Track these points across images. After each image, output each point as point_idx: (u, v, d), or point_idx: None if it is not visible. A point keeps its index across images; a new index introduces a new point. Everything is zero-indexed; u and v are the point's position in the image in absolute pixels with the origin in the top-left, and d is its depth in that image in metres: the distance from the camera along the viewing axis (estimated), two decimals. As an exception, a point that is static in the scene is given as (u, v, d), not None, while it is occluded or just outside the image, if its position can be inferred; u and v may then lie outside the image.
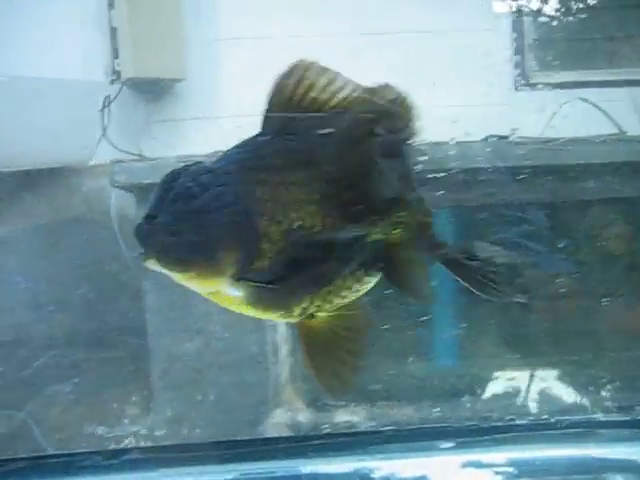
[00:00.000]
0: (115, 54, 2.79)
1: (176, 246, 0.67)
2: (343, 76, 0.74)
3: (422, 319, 1.69)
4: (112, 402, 1.75)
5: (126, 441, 1.75)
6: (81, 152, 2.25)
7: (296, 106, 0.73)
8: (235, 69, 2.70)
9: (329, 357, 0.73)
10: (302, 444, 1.22)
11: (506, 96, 1.77)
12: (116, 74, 2.71)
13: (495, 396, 1.64)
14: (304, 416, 1.76)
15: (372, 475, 1.18)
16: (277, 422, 1.77)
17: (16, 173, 1.93)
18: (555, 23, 1.64)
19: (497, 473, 1.13)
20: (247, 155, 0.73)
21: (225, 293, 0.70)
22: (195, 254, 0.68)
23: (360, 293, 0.74)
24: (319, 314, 0.72)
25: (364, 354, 0.73)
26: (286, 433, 1.72)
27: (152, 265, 0.68)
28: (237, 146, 0.74)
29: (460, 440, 1.18)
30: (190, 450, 1.25)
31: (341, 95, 0.74)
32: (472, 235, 1.75)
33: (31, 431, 1.51)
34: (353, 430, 1.29)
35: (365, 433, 1.19)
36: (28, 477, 1.19)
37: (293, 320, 0.72)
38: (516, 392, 1.62)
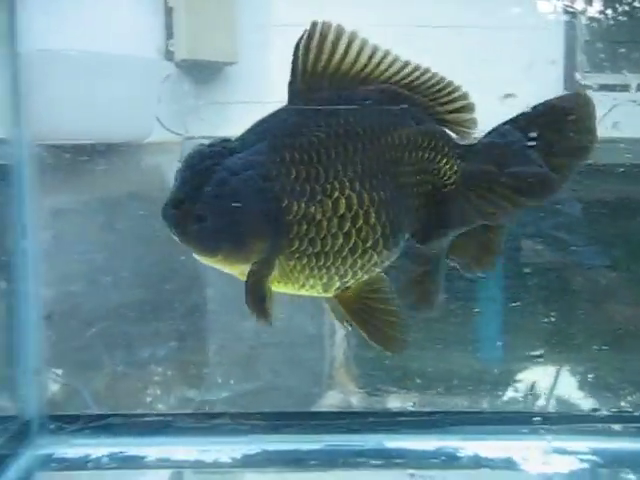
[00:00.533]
0: (169, 35, 2.82)
1: (204, 233, 0.67)
2: (362, 37, 0.74)
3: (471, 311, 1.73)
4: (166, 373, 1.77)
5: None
6: (139, 129, 2.27)
7: (321, 71, 0.72)
8: (284, 55, 2.73)
9: (371, 318, 0.76)
10: (389, 419, 1.25)
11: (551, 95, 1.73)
12: (169, 54, 2.74)
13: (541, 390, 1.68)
14: (356, 399, 1.79)
15: (457, 454, 1.22)
16: (330, 403, 1.80)
17: (76, 146, 1.95)
18: (608, 23, 1.66)
19: (582, 461, 1.18)
20: (275, 132, 0.71)
21: None
22: (223, 241, 0.67)
23: (382, 266, 0.76)
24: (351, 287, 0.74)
25: (400, 312, 0.76)
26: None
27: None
28: (263, 120, 0.72)
29: (544, 427, 1.22)
30: (276, 418, 1.28)
31: (367, 60, 0.73)
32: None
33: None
34: (439, 409, 1.32)
35: (450, 413, 1.22)
36: (125, 434, 1.22)
37: (329, 295, 0.74)
38: (563, 388, 1.65)
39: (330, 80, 0.72)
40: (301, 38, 0.71)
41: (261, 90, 2.80)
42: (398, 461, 1.19)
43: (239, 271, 0.70)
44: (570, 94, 0.79)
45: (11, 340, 1.16)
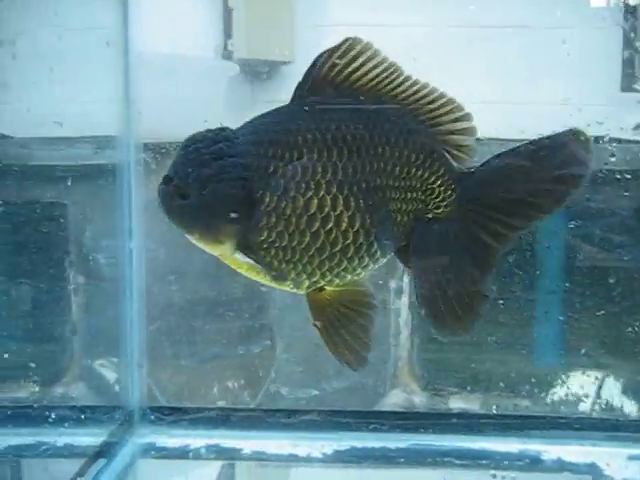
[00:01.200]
0: (227, 35, 2.87)
1: (184, 210, 0.71)
2: (388, 60, 0.76)
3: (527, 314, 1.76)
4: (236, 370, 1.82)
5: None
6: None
7: (331, 79, 0.75)
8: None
9: (340, 329, 0.77)
10: (473, 421, 1.30)
11: (611, 97, 1.69)
12: (226, 54, 2.79)
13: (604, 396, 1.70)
14: (419, 399, 1.84)
15: (541, 457, 1.27)
16: (393, 402, 1.85)
17: (160, 144, 2.00)
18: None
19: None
20: (267, 127, 0.74)
21: (233, 257, 0.74)
22: (199, 220, 0.72)
23: (370, 271, 0.77)
24: (328, 288, 0.76)
25: (371, 330, 0.78)
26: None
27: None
28: (263, 115, 0.76)
29: (625, 434, 1.26)
30: (364, 417, 1.33)
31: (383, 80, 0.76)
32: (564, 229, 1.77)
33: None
34: (521, 413, 1.37)
35: (532, 417, 1.27)
36: (219, 426, 1.28)
37: (301, 292, 0.76)
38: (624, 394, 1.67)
39: (336, 88, 0.75)
40: (327, 50, 0.75)
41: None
42: (482, 462, 1.24)
43: (219, 252, 0.74)
44: (567, 130, 0.79)
45: (118, 335, 1.22)
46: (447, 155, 0.78)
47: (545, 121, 1.61)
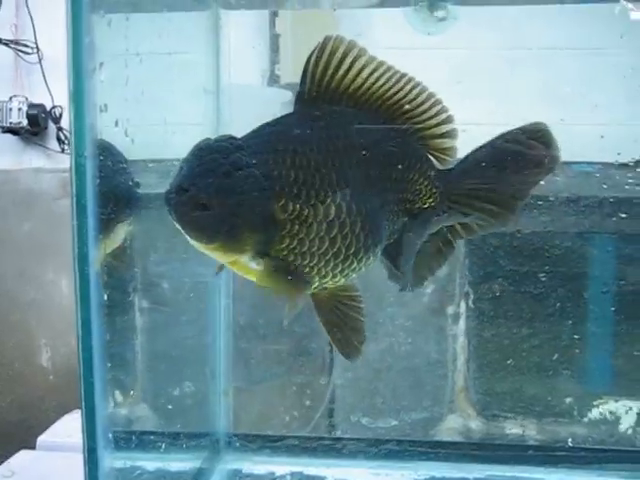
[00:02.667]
0: (274, 60, 2.94)
1: (204, 220, 0.71)
2: (369, 54, 0.80)
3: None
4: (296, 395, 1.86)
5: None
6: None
7: (327, 84, 0.78)
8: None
9: (339, 322, 0.84)
10: (548, 453, 1.34)
11: None
12: (273, 79, 2.85)
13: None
14: (475, 424, 1.88)
15: (617, 490, 1.30)
16: (450, 427, 1.89)
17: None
18: None
19: None
20: (279, 136, 0.77)
21: (244, 264, 0.76)
22: (220, 231, 0.72)
23: (359, 273, 0.83)
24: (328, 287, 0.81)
25: (362, 322, 0.85)
26: (458, 438, 1.84)
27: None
28: (269, 124, 0.79)
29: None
30: (440, 447, 1.38)
31: (374, 77, 0.80)
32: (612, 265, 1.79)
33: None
34: (597, 446, 1.40)
35: (609, 451, 1.30)
36: (302, 454, 1.32)
37: (307, 292, 0.80)
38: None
39: (334, 93, 0.79)
40: (313, 51, 0.78)
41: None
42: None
43: (232, 261, 0.76)
44: (532, 123, 0.89)
45: (204, 362, 1.26)
46: (430, 157, 0.86)
47: (594, 143, 1.65)
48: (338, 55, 0.79)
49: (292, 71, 2.77)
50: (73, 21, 0.77)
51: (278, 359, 1.75)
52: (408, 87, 0.83)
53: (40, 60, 2.13)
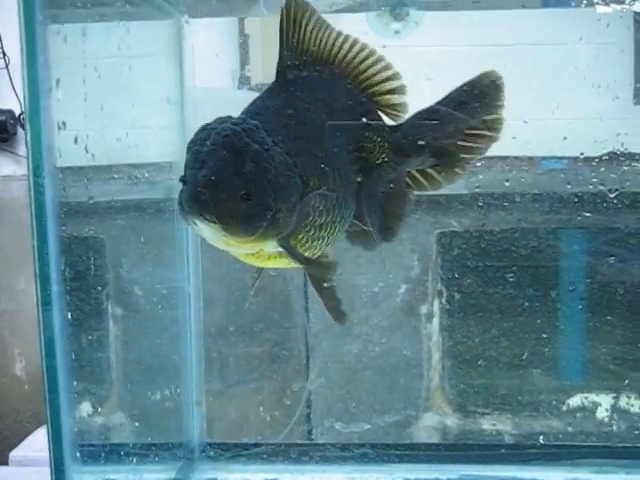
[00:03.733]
0: (244, 61, 2.92)
1: (248, 212, 0.66)
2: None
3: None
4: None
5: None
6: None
7: (300, 51, 0.78)
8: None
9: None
10: (521, 452, 1.36)
11: (623, 111, 1.70)
12: (243, 80, 2.84)
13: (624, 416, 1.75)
14: (452, 421, 1.89)
15: (589, 486, 1.32)
16: (426, 425, 1.91)
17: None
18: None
19: None
20: (279, 113, 0.74)
21: (268, 252, 0.73)
22: (265, 219, 0.67)
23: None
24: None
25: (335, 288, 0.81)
26: (435, 436, 1.86)
27: (204, 230, 0.66)
28: (261, 97, 0.78)
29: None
30: (414, 449, 1.39)
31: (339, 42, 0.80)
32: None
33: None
34: (569, 443, 1.42)
35: (578, 447, 1.32)
36: (276, 461, 1.33)
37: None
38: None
39: (306, 59, 0.79)
40: (282, 19, 0.77)
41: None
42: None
43: (259, 248, 0.72)
44: (483, 72, 0.91)
45: (176, 372, 1.26)
46: (380, 113, 0.86)
47: (561, 137, 1.66)
48: (304, 22, 0.79)
49: (262, 72, 2.76)
50: (27, 40, 0.76)
51: (252, 362, 1.74)
52: (356, 48, 0.84)
53: (7, 65, 2.12)
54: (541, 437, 1.44)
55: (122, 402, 1.21)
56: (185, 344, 1.30)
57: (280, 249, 0.73)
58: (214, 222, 0.65)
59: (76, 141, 0.89)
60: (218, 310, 1.82)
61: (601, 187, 1.49)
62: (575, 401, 1.87)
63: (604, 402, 1.78)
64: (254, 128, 0.68)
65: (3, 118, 2.08)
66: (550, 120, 1.63)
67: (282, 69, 0.80)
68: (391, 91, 0.86)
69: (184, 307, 1.30)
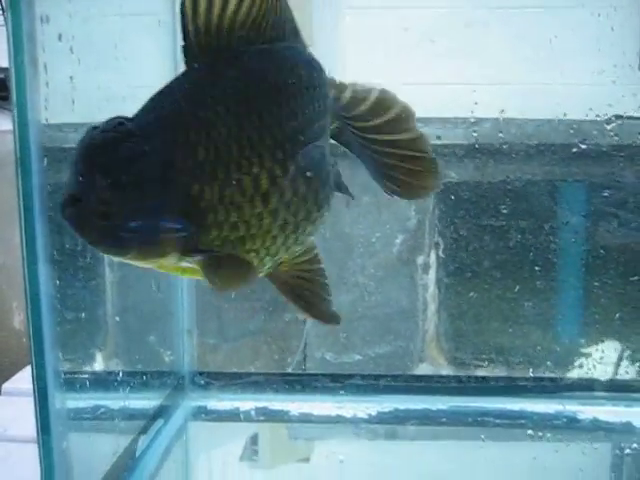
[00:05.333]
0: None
1: (110, 231, 0.57)
2: None
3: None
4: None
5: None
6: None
7: (209, 28, 0.61)
8: (357, 36, 2.80)
9: (306, 292, 0.70)
10: (511, 384, 1.36)
11: (627, 75, 1.67)
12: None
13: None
14: (446, 372, 1.89)
15: (577, 417, 1.32)
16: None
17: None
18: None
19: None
20: (172, 108, 0.60)
21: (172, 266, 0.63)
22: (133, 240, 0.58)
23: (319, 230, 0.69)
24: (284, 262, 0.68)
25: (327, 285, 0.72)
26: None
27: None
28: (160, 92, 0.62)
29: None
30: (404, 380, 1.39)
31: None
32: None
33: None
34: (557, 376, 1.42)
35: (568, 380, 1.32)
36: (267, 390, 1.33)
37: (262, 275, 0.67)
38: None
39: (218, 37, 0.62)
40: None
41: (335, 71, 2.89)
42: (520, 421, 1.30)
43: (156, 265, 0.63)
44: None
45: (167, 302, 1.26)
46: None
47: (569, 101, 1.65)
48: None
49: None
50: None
51: (245, 314, 1.74)
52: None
53: (7, 22, 2.08)
54: (530, 370, 1.43)
55: (117, 345, 1.21)
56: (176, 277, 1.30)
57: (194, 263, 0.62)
58: (82, 239, 0.59)
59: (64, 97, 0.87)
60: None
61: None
62: (571, 354, 1.87)
63: (599, 354, 1.77)
64: (123, 136, 0.57)
65: (2, 76, 2.07)
66: (556, 85, 1.62)
67: (190, 48, 0.63)
68: None
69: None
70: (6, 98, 2.17)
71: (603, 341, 1.77)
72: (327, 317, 0.72)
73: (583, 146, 1.64)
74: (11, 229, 2.31)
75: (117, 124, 0.58)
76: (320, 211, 0.68)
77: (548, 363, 1.83)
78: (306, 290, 0.71)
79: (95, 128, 0.59)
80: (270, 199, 0.62)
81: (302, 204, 0.64)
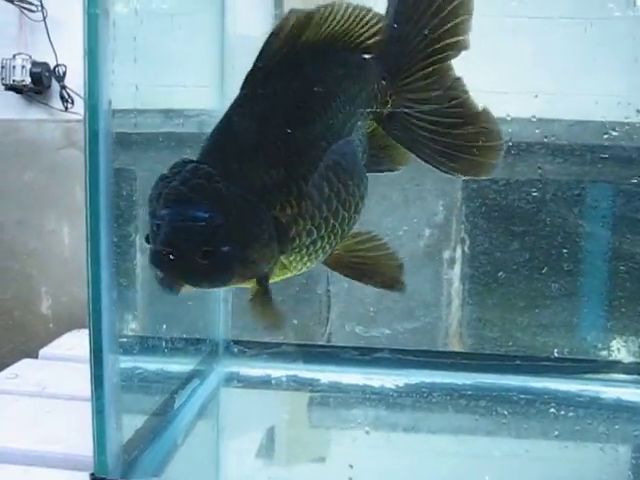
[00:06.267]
0: (280, 13, 2.97)
1: (215, 267, 0.62)
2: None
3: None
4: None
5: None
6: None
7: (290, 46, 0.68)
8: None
9: (366, 268, 0.78)
10: (535, 363, 1.39)
11: None
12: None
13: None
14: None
15: (601, 396, 1.34)
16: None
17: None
18: None
19: None
20: (239, 139, 0.67)
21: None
22: (234, 269, 0.64)
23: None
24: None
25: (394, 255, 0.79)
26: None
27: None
28: (220, 127, 0.69)
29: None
30: (431, 356, 1.41)
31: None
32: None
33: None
34: (581, 357, 1.44)
35: (591, 361, 1.35)
36: (297, 360, 1.36)
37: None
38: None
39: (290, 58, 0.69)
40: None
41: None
42: (543, 397, 1.32)
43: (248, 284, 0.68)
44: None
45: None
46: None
47: (590, 112, 1.68)
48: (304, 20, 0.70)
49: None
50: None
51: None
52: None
53: (44, 18, 2.15)
54: (555, 350, 1.46)
55: (150, 301, 1.25)
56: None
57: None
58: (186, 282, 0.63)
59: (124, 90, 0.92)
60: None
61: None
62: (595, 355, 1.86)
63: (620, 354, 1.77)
64: (206, 178, 0.62)
65: (38, 70, 2.11)
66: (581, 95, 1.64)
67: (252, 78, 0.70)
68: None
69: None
70: (40, 92, 2.22)
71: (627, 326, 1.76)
72: (391, 284, 0.80)
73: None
74: (43, 216, 2.36)
75: (194, 169, 0.63)
76: (363, 201, 0.76)
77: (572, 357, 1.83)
78: (363, 265, 0.77)
79: (167, 177, 0.64)
80: (332, 202, 0.70)
81: (352, 199, 0.72)
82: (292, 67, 0.69)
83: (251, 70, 0.69)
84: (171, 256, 0.60)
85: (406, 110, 0.79)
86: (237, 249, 0.62)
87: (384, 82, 0.78)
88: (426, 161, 0.81)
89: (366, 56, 0.78)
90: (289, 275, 0.72)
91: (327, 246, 0.72)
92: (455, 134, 0.80)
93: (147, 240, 0.63)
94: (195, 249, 0.60)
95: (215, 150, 0.67)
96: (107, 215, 0.86)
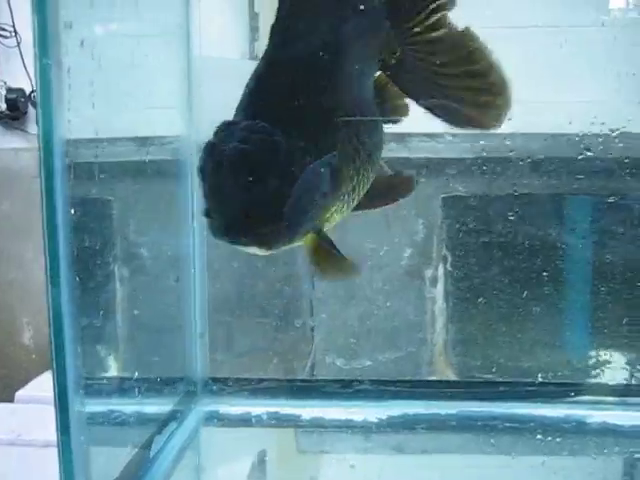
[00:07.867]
0: (253, 37, 2.97)
1: (286, 228, 0.63)
2: None
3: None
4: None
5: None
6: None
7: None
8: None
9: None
10: (519, 389, 1.37)
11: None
12: (252, 56, 2.89)
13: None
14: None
15: (587, 420, 1.33)
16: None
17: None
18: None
19: None
20: (277, 100, 0.66)
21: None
22: (303, 226, 0.65)
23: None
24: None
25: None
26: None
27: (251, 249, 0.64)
28: (254, 88, 0.68)
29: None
30: (414, 386, 1.40)
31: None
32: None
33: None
34: (566, 381, 1.43)
35: (577, 385, 1.33)
36: (279, 396, 1.34)
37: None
38: None
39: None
40: None
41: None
42: (529, 425, 1.30)
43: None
44: None
45: (179, 308, 1.28)
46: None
47: (570, 119, 1.67)
48: None
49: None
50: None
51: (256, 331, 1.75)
52: None
53: (18, 44, 2.13)
54: (539, 375, 1.45)
55: (126, 338, 1.23)
56: (189, 279, 1.32)
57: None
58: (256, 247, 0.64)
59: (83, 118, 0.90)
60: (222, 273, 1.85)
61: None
62: (579, 368, 1.86)
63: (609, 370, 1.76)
64: (267, 133, 0.62)
65: (14, 96, 2.11)
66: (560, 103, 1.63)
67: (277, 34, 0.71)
68: None
69: (188, 265, 1.32)
70: (17, 118, 2.20)
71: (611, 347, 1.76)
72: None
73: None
74: (22, 246, 2.33)
75: (249, 126, 0.61)
76: (381, 150, 0.77)
77: (558, 373, 1.82)
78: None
79: (215, 146, 0.63)
80: (364, 149, 0.71)
81: (377, 147, 0.75)
82: (312, 18, 0.70)
83: (275, 21, 0.70)
84: (239, 227, 0.60)
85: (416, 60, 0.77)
86: (305, 204, 0.63)
87: (393, 30, 0.77)
88: (434, 113, 0.79)
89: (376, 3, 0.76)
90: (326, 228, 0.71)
91: (361, 192, 0.73)
92: (463, 86, 0.78)
93: (207, 214, 0.62)
94: (264, 217, 0.61)
95: (261, 103, 0.66)
96: (66, 249, 0.83)
